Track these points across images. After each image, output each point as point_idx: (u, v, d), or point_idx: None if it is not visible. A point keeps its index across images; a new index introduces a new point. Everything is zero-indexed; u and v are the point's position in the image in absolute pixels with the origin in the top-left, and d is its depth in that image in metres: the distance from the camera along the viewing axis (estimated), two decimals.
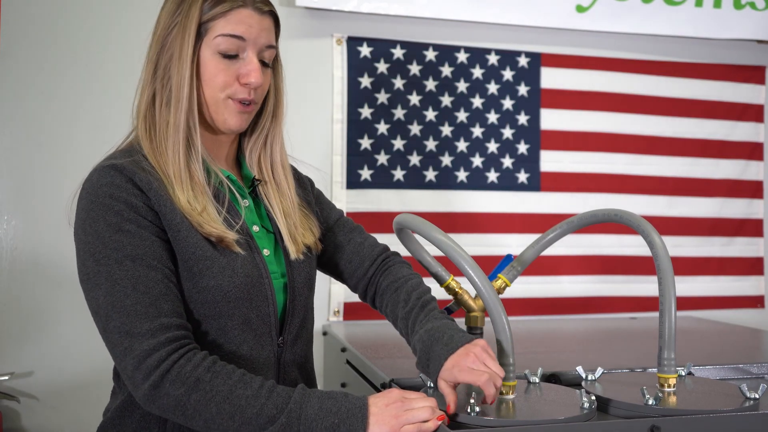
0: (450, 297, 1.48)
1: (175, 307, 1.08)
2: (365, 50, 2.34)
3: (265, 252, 1.24)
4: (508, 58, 2.46)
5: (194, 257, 1.12)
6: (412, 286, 1.32)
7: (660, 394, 1.13)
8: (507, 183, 2.46)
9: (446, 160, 2.41)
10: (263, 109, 1.31)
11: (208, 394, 1.02)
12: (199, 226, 1.12)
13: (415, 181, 2.38)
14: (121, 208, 1.08)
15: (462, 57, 2.42)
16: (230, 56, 1.17)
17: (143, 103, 1.19)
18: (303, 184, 1.43)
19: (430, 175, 2.39)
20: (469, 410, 1.06)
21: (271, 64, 1.25)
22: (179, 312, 1.09)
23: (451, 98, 2.42)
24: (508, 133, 2.46)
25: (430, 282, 1.46)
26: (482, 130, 2.44)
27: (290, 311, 1.24)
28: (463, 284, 1.48)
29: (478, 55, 2.44)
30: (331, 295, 2.31)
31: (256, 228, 1.25)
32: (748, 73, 2.68)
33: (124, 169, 1.11)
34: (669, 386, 1.19)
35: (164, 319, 1.05)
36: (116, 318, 1.05)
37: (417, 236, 1.41)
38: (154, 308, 1.05)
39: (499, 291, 1.43)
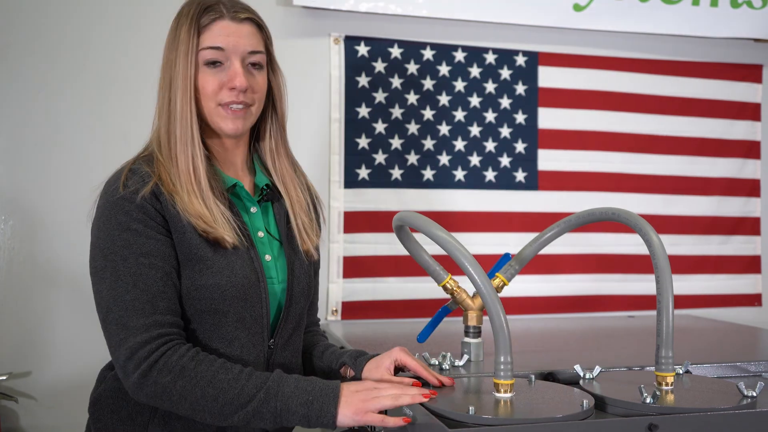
0: (448, 296, 1.49)
1: (171, 305, 1.19)
2: (362, 49, 2.34)
3: (267, 257, 1.31)
4: (505, 57, 2.46)
5: (195, 257, 1.21)
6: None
7: (658, 393, 1.13)
8: (505, 182, 2.46)
9: (444, 159, 2.41)
10: (266, 114, 1.38)
11: (192, 380, 1.12)
12: (202, 230, 1.21)
13: (412, 180, 2.38)
14: (131, 208, 1.19)
15: (459, 56, 2.42)
16: (215, 65, 1.27)
17: (158, 117, 1.31)
18: (309, 191, 1.48)
19: (428, 174, 2.39)
20: (468, 411, 1.06)
21: (266, 68, 1.33)
22: (174, 310, 1.19)
23: (449, 97, 2.42)
24: (505, 132, 2.46)
25: (429, 281, 1.46)
26: (480, 129, 2.44)
27: (284, 316, 1.31)
28: (461, 283, 1.48)
29: (475, 54, 2.44)
30: (329, 294, 2.31)
31: (261, 234, 1.32)
32: (745, 72, 2.68)
33: (139, 172, 1.23)
34: (667, 384, 1.19)
35: (158, 316, 1.15)
36: (116, 311, 1.15)
37: (416, 235, 1.41)
38: (150, 305, 1.15)
39: (497, 290, 1.43)
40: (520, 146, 2.47)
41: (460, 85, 2.42)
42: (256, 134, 1.41)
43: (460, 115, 2.42)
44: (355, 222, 2.32)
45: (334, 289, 2.31)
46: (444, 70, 2.41)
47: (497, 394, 1.15)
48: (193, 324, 1.23)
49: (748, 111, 2.69)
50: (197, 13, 1.26)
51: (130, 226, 1.17)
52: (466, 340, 1.46)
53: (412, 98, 2.38)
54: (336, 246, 2.31)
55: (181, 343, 1.16)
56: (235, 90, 1.26)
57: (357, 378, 1.30)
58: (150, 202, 1.20)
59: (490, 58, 2.45)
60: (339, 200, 2.31)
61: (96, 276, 1.18)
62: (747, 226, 2.69)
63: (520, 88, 2.47)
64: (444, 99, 2.41)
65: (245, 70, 1.27)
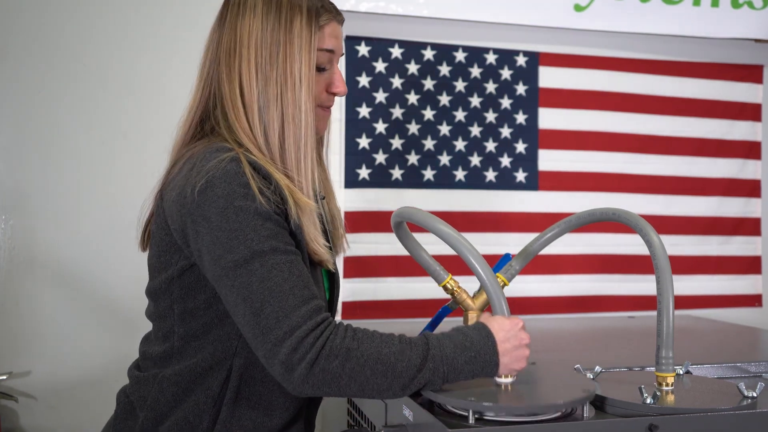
0: (448, 296, 1.49)
1: (318, 290, 1.13)
2: (363, 49, 2.34)
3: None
4: (506, 57, 2.46)
5: None
6: None
7: (658, 393, 1.13)
8: (505, 182, 2.46)
9: (444, 159, 2.41)
10: None
11: (360, 359, 1.05)
12: (313, 250, 1.16)
13: (413, 180, 2.38)
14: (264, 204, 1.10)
15: (460, 56, 2.42)
16: (322, 69, 1.22)
17: (248, 119, 1.17)
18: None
19: (429, 174, 2.39)
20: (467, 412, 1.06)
21: None
22: (321, 294, 1.16)
23: (450, 97, 2.42)
24: (506, 132, 2.46)
25: (430, 281, 1.46)
26: (480, 129, 2.44)
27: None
28: (462, 283, 1.48)
29: (476, 54, 2.44)
30: None
31: None
32: (746, 72, 2.68)
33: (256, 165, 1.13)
34: (667, 385, 1.19)
35: (317, 301, 1.08)
36: (274, 303, 1.05)
37: (415, 234, 1.41)
38: (308, 291, 1.08)
39: None
40: (520, 146, 2.47)
41: (460, 85, 2.42)
42: None
43: (460, 115, 2.42)
44: (356, 222, 2.32)
45: None
46: (444, 70, 2.41)
47: (499, 380, 1.15)
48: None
49: (748, 111, 2.69)
50: (315, 9, 1.19)
51: (271, 216, 1.09)
52: None
53: (412, 98, 2.38)
54: None
55: (337, 324, 1.09)
56: (337, 95, 1.25)
57: None
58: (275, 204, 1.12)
59: (491, 58, 2.45)
60: (339, 200, 2.31)
61: (240, 269, 1.06)
62: (747, 226, 2.69)
63: (521, 89, 2.47)
64: (444, 99, 2.41)
65: None
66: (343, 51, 1.27)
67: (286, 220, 1.13)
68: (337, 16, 1.23)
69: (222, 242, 1.07)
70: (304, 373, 1.03)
